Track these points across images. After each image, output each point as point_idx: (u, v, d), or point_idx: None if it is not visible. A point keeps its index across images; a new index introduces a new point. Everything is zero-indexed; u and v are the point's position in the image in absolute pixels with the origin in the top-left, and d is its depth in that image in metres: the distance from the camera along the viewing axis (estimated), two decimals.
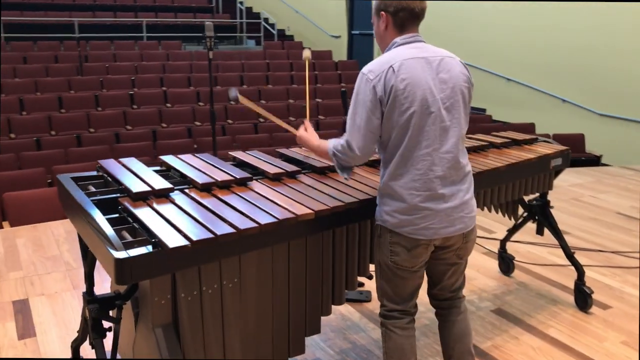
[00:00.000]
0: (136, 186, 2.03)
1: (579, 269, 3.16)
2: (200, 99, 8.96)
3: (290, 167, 2.40)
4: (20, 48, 9.92)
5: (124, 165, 2.30)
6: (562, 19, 8.51)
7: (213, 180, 2.16)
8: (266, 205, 2.00)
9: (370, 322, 2.99)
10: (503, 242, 3.58)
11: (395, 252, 2.01)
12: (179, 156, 2.48)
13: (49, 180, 5.73)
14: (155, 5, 12.96)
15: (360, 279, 3.39)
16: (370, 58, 12.25)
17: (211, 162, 2.41)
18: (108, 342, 2.05)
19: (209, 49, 4.44)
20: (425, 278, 2.18)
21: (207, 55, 4.49)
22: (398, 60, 1.92)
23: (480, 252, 3.89)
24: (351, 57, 12.38)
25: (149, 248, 1.67)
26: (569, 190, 5.52)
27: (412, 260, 2.01)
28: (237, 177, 2.21)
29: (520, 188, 2.94)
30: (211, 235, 1.72)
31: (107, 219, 1.83)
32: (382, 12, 2.02)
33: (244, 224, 1.82)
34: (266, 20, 13.43)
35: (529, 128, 8.32)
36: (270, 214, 1.91)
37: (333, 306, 2.24)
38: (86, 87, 8.71)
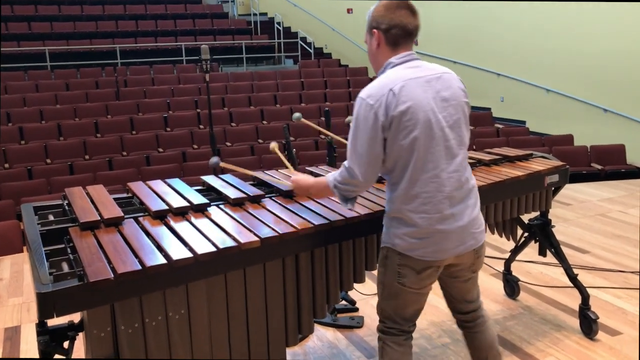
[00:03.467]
0: (83, 216, 2.02)
1: (583, 293, 2.96)
2: (233, 119, 9.06)
3: (254, 192, 2.35)
4: (64, 76, 10.31)
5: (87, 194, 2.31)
6: (604, 24, 8.18)
7: (167, 208, 2.13)
8: (212, 232, 1.95)
9: (357, 350, 2.88)
10: (507, 264, 3.41)
11: (403, 275, 1.97)
12: (148, 182, 2.47)
13: None
14: (195, 29, 13.25)
15: (357, 303, 3.30)
16: None
17: (175, 188, 2.38)
18: None
19: (206, 72, 4.47)
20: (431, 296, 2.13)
21: (205, 78, 4.53)
22: (398, 82, 1.87)
23: (488, 274, 3.72)
24: None
25: (76, 281, 1.64)
26: (596, 206, 5.24)
27: (420, 282, 1.99)
28: (195, 203, 2.18)
29: (513, 207, 2.78)
30: (138, 268, 1.68)
31: (52, 250, 1.83)
32: (374, 30, 1.97)
33: (179, 254, 1.77)
34: (304, 39, 13.52)
35: (566, 140, 8.00)
36: (213, 243, 1.86)
37: (321, 332, 2.17)
38: (123, 111, 8.95)
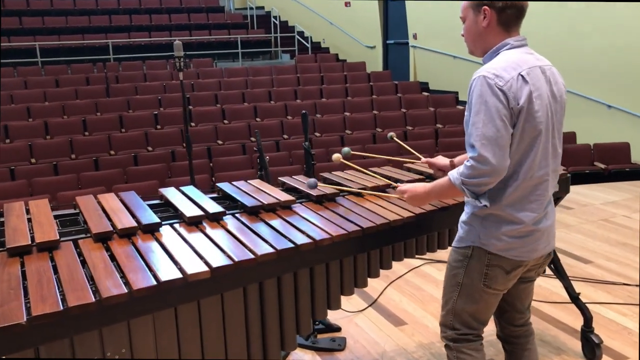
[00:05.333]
0: (13, 240, 1.77)
1: (586, 314, 2.72)
2: (226, 117, 8.80)
3: (214, 208, 2.09)
4: (54, 72, 10.06)
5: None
6: (605, 19, 7.88)
7: (110, 229, 1.87)
8: (155, 259, 1.70)
9: None
10: None
11: (491, 276, 1.87)
12: (100, 196, 2.22)
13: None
14: (190, 23, 12.98)
15: (339, 320, 3.06)
16: (405, 67, 11.86)
17: (127, 204, 2.13)
18: None
19: (179, 70, 4.23)
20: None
21: (179, 76, 4.28)
22: (525, 67, 1.75)
23: None
24: (386, 67, 12.00)
25: None
26: (599, 210, 4.97)
27: (507, 283, 1.91)
28: (144, 223, 1.93)
29: None
30: (57, 309, 1.43)
31: None
32: (486, 7, 1.80)
33: (108, 291, 1.52)
34: (301, 33, 13.23)
35: (569, 138, 7.72)
36: (154, 275, 1.61)
37: (299, 355, 1.95)
38: (112, 108, 8.70)
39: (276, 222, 2.04)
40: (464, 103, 10.24)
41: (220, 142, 8.00)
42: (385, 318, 3.12)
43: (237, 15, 14.23)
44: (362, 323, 3.10)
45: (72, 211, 2.15)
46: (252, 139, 8.21)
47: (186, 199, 2.19)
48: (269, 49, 13.28)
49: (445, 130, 8.40)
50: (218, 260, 1.71)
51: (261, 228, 1.99)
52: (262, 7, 14.68)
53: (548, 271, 2.99)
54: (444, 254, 2.29)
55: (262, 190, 2.30)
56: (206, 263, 1.69)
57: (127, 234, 1.88)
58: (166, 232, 1.92)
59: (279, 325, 1.93)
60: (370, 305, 3.28)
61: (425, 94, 10.16)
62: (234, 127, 8.39)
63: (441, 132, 8.35)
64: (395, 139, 2.70)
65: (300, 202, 2.27)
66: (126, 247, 1.79)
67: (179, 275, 1.62)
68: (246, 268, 1.74)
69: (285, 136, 8.25)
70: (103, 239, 1.84)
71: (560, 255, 3.81)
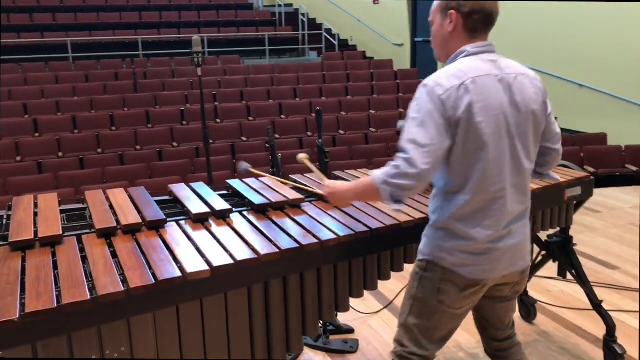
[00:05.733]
0: (16, 234, 1.76)
1: (609, 322, 2.61)
2: (251, 113, 8.80)
3: (221, 205, 2.05)
4: (84, 67, 10.19)
5: None
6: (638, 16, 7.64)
7: (114, 225, 1.85)
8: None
9: None
10: None
11: (445, 291, 1.77)
12: (110, 191, 2.21)
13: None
14: (219, 20, 13.02)
15: (353, 322, 2.99)
16: (433, 65, 11.70)
17: (137, 200, 2.10)
18: None
19: (198, 65, 4.20)
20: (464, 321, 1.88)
21: (197, 72, 4.26)
22: (470, 75, 1.65)
23: None
24: (414, 65, 11.87)
25: None
26: (628, 214, 4.80)
27: (462, 302, 1.78)
28: (149, 219, 1.90)
29: None
30: (51, 306, 1.41)
31: None
32: (453, 11, 1.73)
33: (104, 289, 1.49)
34: (329, 31, 13.17)
35: (599, 139, 7.52)
36: (153, 273, 1.58)
37: (310, 355, 1.90)
38: (140, 103, 8.77)
39: (283, 221, 1.99)
40: None
41: (244, 138, 7.99)
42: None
43: (265, 12, 14.23)
44: (377, 325, 3.04)
45: (81, 206, 2.13)
46: (277, 135, 8.19)
47: (195, 196, 2.16)
48: (296, 46, 13.25)
49: None
50: (220, 259, 1.67)
51: (267, 227, 1.94)
52: (291, 5, 14.65)
53: (569, 276, 2.90)
54: None
55: (271, 188, 2.26)
56: (207, 262, 1.65)
57: (131, 230, 1.85)
58: (171, 230, 1.89)
59: (284, 327, 1.89)
60: (385, 307, 3.22)
61: None
62: (259, 124, 8.38)
63: None
64: (305, 160, 2.28)
65: (310, 201, 2.22)
66: (129, 244, 1.76)
67: (178, 274, 1.59)
68: (249, 268, 1.70)
69: (309, 133, 8.21)
70: (107, 234, 1.82)
71: (585, 260, 3.70)
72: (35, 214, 1.95)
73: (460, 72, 1.66)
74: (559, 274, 2.79)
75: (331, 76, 10.34)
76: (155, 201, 2.10)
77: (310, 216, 2.06)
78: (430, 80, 1.67)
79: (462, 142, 1.64)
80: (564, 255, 2.70)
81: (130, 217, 1.91)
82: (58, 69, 9.97)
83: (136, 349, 1.61)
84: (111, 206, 2.03)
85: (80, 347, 1.52)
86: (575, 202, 2.60)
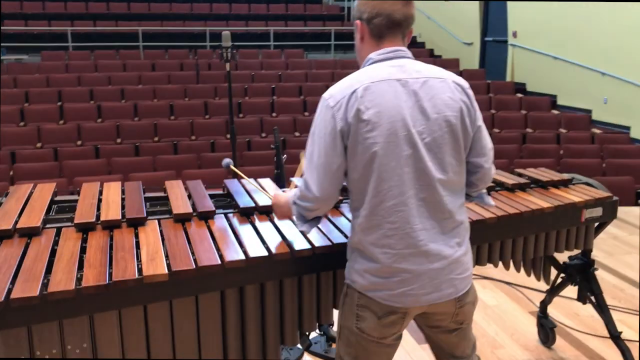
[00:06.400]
0: None
1: (627, 356, 2.40)
2: (307, 109, 8.80)
3: (205, 207, 2.02)
4: (153, 56, 10.50)
5: None
6: None
7: (93, 220, 1.85)
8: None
9: None
10: (542, 305, 2.86)
11: (362, 318, 1.64)
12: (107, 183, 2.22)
13: None
14: (287, 14, 13.09)
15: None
16: (502, 66, 11.29)
17: (129, 195, 2.11)
18: None
19: (226, 60, 4.19)
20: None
21: (225, 67, 4.25)
22: (364, 82, 1.55)
23: (525, 311, 3.18)
24: (483, 65, 11.49)
25: None
26: None
27: (382, 330, 1.64)
28: (128, 216, 1.89)
29: (539, 244, 2.28)
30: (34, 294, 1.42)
31: None
32: (357, 21, 1.66)
33: (55, 285, 1.49)
34: None
35: None
36: (110, 272, 1.57)
37: None
38: (200, 95, 8.93)
39: (265, 226, 1.94)
40: (561, 107, 9.60)
41: (297, 134, 7.99)
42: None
43: (334, 7, 14.19)
44: None
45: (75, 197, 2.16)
46: None
47: (185, 194, 2.14)
48: None
49: (534, 136, 7.89)
50: (183, 263, 1.64)
51: (246, 231, 1.89)
52: None
53: (622, 303, 2.69)
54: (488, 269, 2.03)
55: (265, 191, 2.21)
56: (168, 265, 1.62)
57: (110, 227, 1.85)
58: (150, 228, 1.87)
59: (260, 335, 1.84)
60: None
61: (520, 95, 9.63)
62: (311, 119, 8.34)
63: (529, 137, 7.85)
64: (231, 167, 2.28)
65: None
66: (100, 241, 1.75)
67: (136, 275, 1.57)
68: (211, 274, 1.65)
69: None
70: (84, 229, 1.82)
71: (625, 285, 3.45)
72: (26, 204, 1.98)
73: (356, 81, 1.57)
74: (578, 299, 2.60)
75: None
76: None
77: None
78: (327, 92, 1.60)
79: (353, 154, 1.55)
80: (583, 279, 2.50)
81: (110, 213, 1.91)
82: (127, 57, 10.32)
83: (100, 346, 1.61)
84: (101, 200, 2.04)
85: (39, 340, 1.53)
86: (597, 223, 2.40)
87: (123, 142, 7.40)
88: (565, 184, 2.44)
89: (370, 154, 1.53)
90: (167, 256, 1.68)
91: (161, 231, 1.85)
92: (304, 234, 1.82)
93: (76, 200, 2.11)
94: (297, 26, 12.63)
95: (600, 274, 3.53)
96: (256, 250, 1.74)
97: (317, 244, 1.82)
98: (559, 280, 2.65)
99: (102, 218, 1.86)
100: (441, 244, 1.59)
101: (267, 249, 1.76)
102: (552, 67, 9.68)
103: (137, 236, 1.81)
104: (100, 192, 2.13)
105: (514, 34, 10.65)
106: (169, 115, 8.32)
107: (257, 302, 1.78)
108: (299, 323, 1.90)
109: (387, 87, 1.55)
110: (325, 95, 1.60)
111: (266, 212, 2.05)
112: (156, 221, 1.92)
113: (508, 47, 10.81)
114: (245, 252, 1.72)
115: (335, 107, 1.55)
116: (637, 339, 2.89)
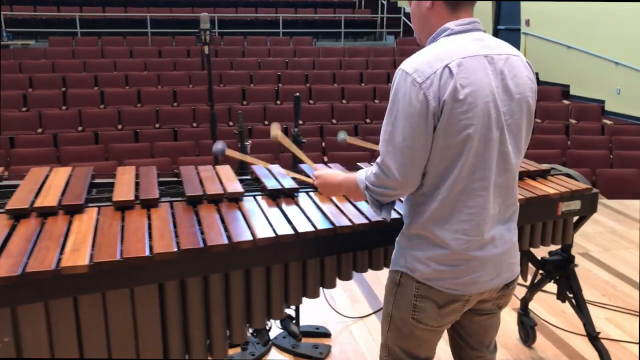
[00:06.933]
0: None
1: (603, 357, 2.27)
2: (312, 97, 8.67)
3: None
4: (160, 43, 10.44)
5: None
6: None
7: (55, 205, 1.77)
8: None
9: None
10: (523, 302, 2.73)
11: (421, 309, 1.55)
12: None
13: None
14: (297, 1, 12.93)
15: (336, 325, 2.78)
16: None
17: (72, 182, 2.01)
18: None
19: (204, 44, 4.08)
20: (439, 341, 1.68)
21: (202, 50, 4.14)
22: (456, 57, 1.41)
23: (509, 307, 3.04)
24: None
25: None
26: None
27: (441, 319, 1.57)
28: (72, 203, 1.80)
29: None
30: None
31: None
32: None
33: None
34: (408, 15, 12.73)
35: None
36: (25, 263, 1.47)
37: (276, 356, 1.79)
38: (205, 81, 8.82)
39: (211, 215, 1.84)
40: (573, 97, 9.35)
41: (301, 122, 7.86)
42: None
43: None
44: (359, 332, 2.83)
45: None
46: (334, 120, 8.02)
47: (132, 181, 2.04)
48: (373, 29, 12.94)
49: (543, 126, 7.68)
50: (106, 254, 1.54)
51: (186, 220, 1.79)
52: None
53: (595, 298, 2.55)
54: None
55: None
56: (91, 256, 1.53)
57: (45, 214, 1.75)
58: (87, 216, 1.78)
59: (204, 330, 1.75)
60: (374, 313, 2.99)
61: None
62: (318, 107, 8.24)
63: (537, 128, 7.64)
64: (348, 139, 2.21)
65: (306, 192, 2.04)
66: (29, 229, 1.66)
67: (53, 267, 1.47)
68: (137, 265, 1.56)
69: (368, 120, 7.97)
70: (17, 216, 1.73)
71: (617, 281, 3.30)
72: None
73: (444, 54, 1.42)
74: (557, 298, 2.45)
75: (402, 61, 9.98)
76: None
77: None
78: (408, 66, 1.42)
79: (443, 136, 1.41)
80: (562, 276, 2.36)
81: (47, 199, 1.82)
82: (134, 44, 10.27)
83: (25, 340, 1.53)
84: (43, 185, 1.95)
85: None
86: (576, 217, 2.26)
87: (124, 129, 7.35)
88: (543, 174, 2.29)
89: (463, 136, 1.40)
90: (94, 246, 1.58)
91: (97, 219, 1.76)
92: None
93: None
94: (307, 13, 12.47)
95: (593, 270, 3.42)
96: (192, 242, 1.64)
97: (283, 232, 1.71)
98: (538, 277, 2.51)
99: (37, 204, 1.77)
100: (504, 228, 1.54)
101: (204, 239, 1.66)
102: (565, 57, 9.44)
103: (71, 224, 1.71)
104: (47, 178, 2.03)
105: (527, 22, 10.40)
106: (171, 102, 8.26)
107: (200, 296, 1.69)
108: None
109: (477, 64, 1.42)
110: (407, 68, 1.42)
111: (214, 200, 1.94)
112: (96, 209, 1.82)
113: (521, 35, 10.57)
114: (177, 243, 1.62)
115: (425, 84, 1.38)
116: (624, 339, 2.76)
